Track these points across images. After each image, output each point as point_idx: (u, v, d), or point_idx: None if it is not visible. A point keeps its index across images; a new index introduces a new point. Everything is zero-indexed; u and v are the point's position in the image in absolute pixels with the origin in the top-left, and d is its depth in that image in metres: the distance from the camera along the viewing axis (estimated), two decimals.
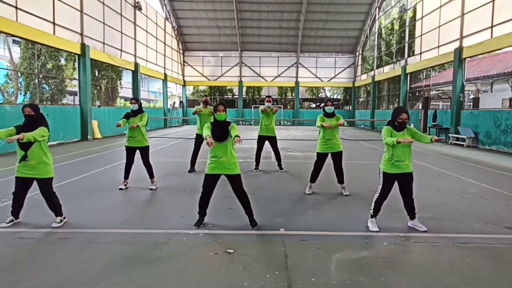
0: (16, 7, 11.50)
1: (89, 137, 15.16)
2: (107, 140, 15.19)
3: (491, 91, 18.85)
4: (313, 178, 6.08)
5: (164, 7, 27.91)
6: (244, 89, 33.66)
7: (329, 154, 5.93)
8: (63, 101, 19.54)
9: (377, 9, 27.63)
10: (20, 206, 4.33)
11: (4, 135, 3.97)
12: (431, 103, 22.08)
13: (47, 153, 4.23)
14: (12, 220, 4.31)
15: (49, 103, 16.58)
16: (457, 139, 15.02)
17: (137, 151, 6.19)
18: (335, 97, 38.74)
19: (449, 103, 21.06)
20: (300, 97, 33.76)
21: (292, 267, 3.26)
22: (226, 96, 35.04)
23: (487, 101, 18.27)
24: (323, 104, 6.05)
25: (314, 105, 36.85)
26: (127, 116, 6.14)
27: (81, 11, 15.37)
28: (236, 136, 4.02)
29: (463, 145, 14.27)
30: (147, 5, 23.57)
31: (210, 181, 4.26)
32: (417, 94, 22.59)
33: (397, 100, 24.09)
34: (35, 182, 4.25)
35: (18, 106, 11.88)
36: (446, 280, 3.08)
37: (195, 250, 3.63)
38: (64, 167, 8.20)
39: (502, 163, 9.90)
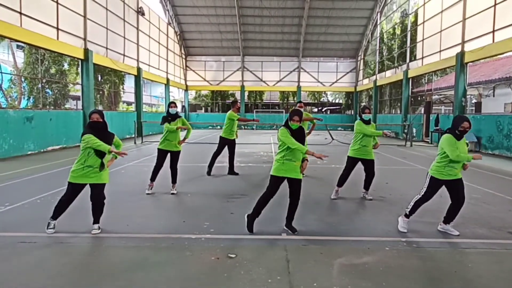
0: (20, 13, 11.60)
1: None
2: None
3: (493, 96, 18.82)
4: (341, 183, 6.06)
5: (167, 12, 28.10)
6: (246, 93, 33.73)
7: (360, 161, 5.93)
8: (66, 106, 19.63)
9: (378, 14, 27.71)
10: (64, 211, 4.30)
11: (107, 148, 4.09)
12: (433, 107, 22.07)
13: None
14: (55, 225, 4.29)
15: (52, 107, 16.66)
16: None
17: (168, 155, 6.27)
18: (337, 101, 38.79)
19: (451, 108, 21.02)
20: (302, 101, 33.77)
21: (294, 272, 3.25)
22: (228, 101, 35.13)
23: (489, 105, 18.24)
24: (360, 111, 5.98)
25: (316, 110, 36.86)
26: (167, 120, 6.16)
27: (84, 16, 15.50)
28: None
29: None
30: (150, 10, 23.74)
31: (276, 182, 4.25)
32: (419, 98, 22.56)
33: (399, 104, 24.07)
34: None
35: (21, 111, 11.95)
36: (449, 286, 3.07)
37: (197, 255, 3.63)
38: (65, 171, 8.20)
39: (504, 168, 9.86)
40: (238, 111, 8.26)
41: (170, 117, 6.18)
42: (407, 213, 4.42)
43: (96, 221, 4.31)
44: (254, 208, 4.37)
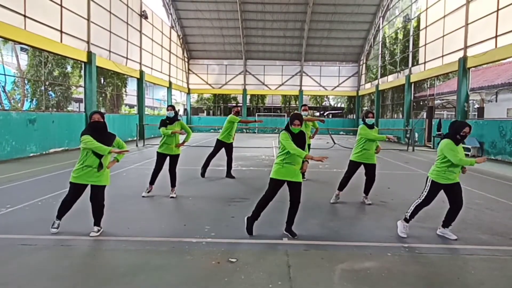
0: (24, 16, 11.68)
1: None
2: None
3: (496, 101, 18.76)
4: (342, 187, 6.08)
5: (170, 16, 28.23)
6: (248, 97, 33.77)
7: (362, 165, 5.92)
8: (68, 108, 19.71)
9: (381, 18, 27.77)
10: (67, 211, 4.32)
11: (106, 150, 4.12)
12: (436, 112, 22.04)
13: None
14: (59, 225, 4.32)
15: (54, 110, 16.73)
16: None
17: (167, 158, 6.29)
18: (339, 105, 38.77)
19: (453, 113, 20.98)
20: (306, 104, 33.75)
21: (295, 277, 3.23)
22: (230, 104, 35.17)
23: (492, 110, 18.18)
24: (363, 115, 6.01)
25: (318, 114, 36.85)
26: (164, 124, 6.17)
27: (88, 19, 15.59)
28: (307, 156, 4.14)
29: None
30: (153, 14, 23.87)
31: (276, 185, 4.26)
32: (421, 103, 22.54)
33: (401, 109, 24.04)
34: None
35: (24, 113, 12.00)
36: None
37: (198, 259, 3.61)
38: (67, 173, 8.22)
39: (508, 174, 9.80)
40: (237, 114, 8.26)
41: (168, 121, 6.19)
42: (407, 217, 4.41)
43: (96, 223, 4.30)
44: (254, 211, 4.38)
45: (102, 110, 19.99)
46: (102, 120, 4.20)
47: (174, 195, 6.28)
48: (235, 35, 30.24)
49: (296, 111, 4.53)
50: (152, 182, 6.33)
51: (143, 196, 6.22)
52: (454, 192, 4.29)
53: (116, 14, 18.34)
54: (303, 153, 4.04)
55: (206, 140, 20.57)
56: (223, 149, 8.26)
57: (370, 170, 5.92)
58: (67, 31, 14.08)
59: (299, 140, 4.18)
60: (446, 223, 4.39)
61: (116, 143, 4.35)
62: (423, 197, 4.35)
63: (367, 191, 6.06)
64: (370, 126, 5.86)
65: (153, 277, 3.20)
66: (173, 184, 6.35)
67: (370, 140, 5.78)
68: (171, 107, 6.33)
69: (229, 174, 8.28)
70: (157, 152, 6.27)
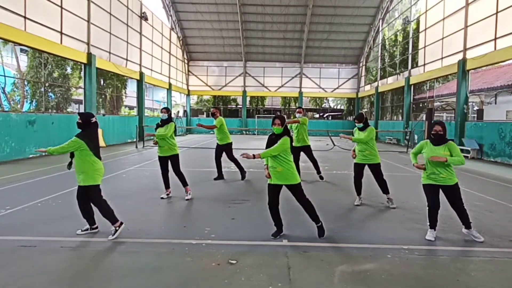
0: (24, 17, 11.70)
1: None
2: (111, 149, 15.24)
3: (495, 103, 18.81)
4: (357, 190, 6.12)
5: (170, 17, 28.29)
6: (248, 99, 33.81)
7: (366, 166, 5.96)
8: (68, 110, 19.72)
9: (380, 20, 27.84)
10: (86, 212, 4.30)
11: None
12: (435, 114, 22.05)
13: (87, 163, 4.19)
14: (87, 229, 4.34)
15: (54, 111, 16.72)
16: (462, 150, 14.91)
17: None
18: (338, 107, 38.81)
19: (453, 115, 21.01)
20: (303, 107, 33.79)
21: (295, 279, 3.23)
22: (230, 106, 35.21)
23: (491, 113, 18.22)
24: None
25: (317, 115, 36.89)
26: (157, 126, 6.20)
27: (88, 21, 15.61)
28: (269, 149, 4.15)
29: (467, 156, 14.17)
30: (153, 15, 23.90)
31: (271, 190, 4.29)
32: (420, 105, 22.57)
33: (400, 111, 24.07)
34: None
35: (24, 114, 12.00)
36: None
37: (197, 261, 3.61)
38: (66, 175, 8.20)
39: (507, 176, 9.81)
40: (213, 116, 8.31)
41: (160, 123, 6.22)
42: (429, 225, 4.46)
43: (112, 222, 4.28)
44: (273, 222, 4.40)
45: (102, 111, 19.99)
46: (80, 121, 4.21)
47: (189, 196, 6.25)
48: (235, 37, 30.29)
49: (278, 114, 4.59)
50: (166, 185, 6.35)
51: (161, 198, 6.26)
52: (449, 195, 4.38)
53: (116, 15, 18.37)
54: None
55: (206, 141, 20.58)
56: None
57: (373, 170, 5.94)
58: (67, 33, 14.10)
59: (274, 139, 4.27)
60: (463, 224, 4.44)
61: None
62: (426, 203, 4.44)
63: (383, 191, 6.05)
64: (360, 129, 5.98)
65: (153, 279, 3.19)
66: (183, 184, 6.34)
67: (361, 142, 5.88)
68: (165, 109, 6.32)
69: (242, 175, 8.37)
70: (158, 156, 6.32)
